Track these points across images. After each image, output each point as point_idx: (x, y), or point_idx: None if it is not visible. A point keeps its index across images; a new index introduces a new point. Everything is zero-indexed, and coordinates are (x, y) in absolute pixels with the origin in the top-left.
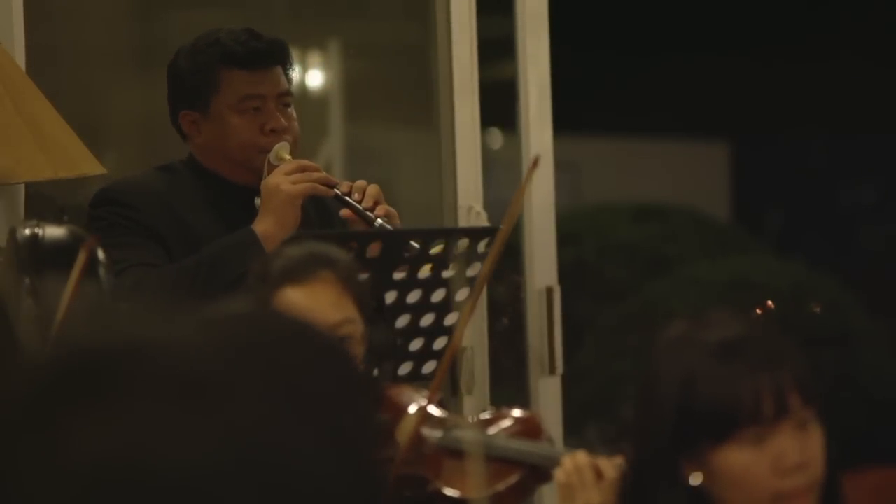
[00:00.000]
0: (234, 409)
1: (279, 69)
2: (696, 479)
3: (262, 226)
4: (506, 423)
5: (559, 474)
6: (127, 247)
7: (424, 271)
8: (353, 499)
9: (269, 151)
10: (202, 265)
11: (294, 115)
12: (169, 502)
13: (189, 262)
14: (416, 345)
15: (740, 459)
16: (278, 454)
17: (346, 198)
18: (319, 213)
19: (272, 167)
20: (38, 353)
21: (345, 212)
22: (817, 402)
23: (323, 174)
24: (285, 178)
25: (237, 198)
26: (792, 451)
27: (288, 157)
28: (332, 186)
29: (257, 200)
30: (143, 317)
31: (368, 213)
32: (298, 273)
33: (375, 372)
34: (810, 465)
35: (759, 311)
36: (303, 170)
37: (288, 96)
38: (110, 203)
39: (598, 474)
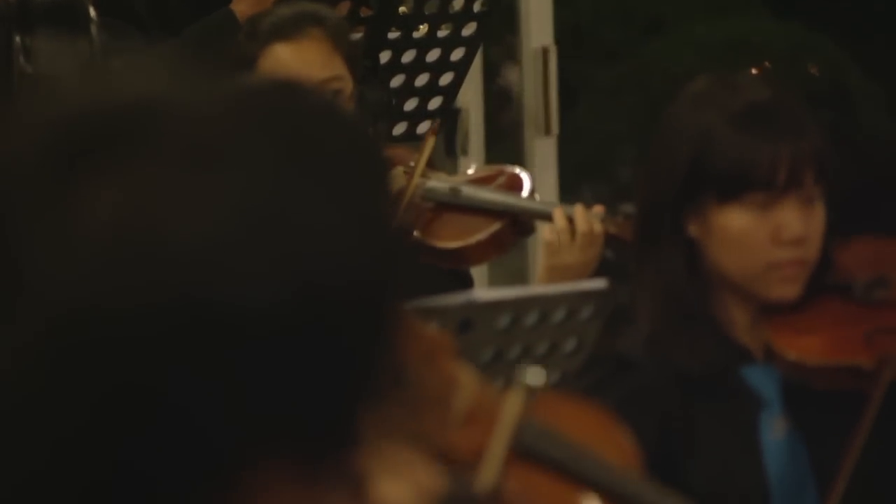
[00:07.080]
0: (251, 178)
1: None
2: (694, 232)
3: (241, 5)
4: (490, 176)
5: (545, 231)
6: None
7: (420, 31)
8: (372, 273)
9: None
10: (184, 47)
11: None
12: (182, 272)
13: (170, 46)
14: (410, 105)
15: (742, 221)
16: (294, 225)
17: None
18: None
19: None
20: (40, 112)
21: None
22: (828, 180)
23: None
24: None
25: None
26: (795, 223)
27: None
28: None
29: None
30: (156, 74)
31: None
32: (287, 29)
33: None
34: (809, 242)
35: (756, 72)
36: None
37: None
38: None
39: (583, 230)
